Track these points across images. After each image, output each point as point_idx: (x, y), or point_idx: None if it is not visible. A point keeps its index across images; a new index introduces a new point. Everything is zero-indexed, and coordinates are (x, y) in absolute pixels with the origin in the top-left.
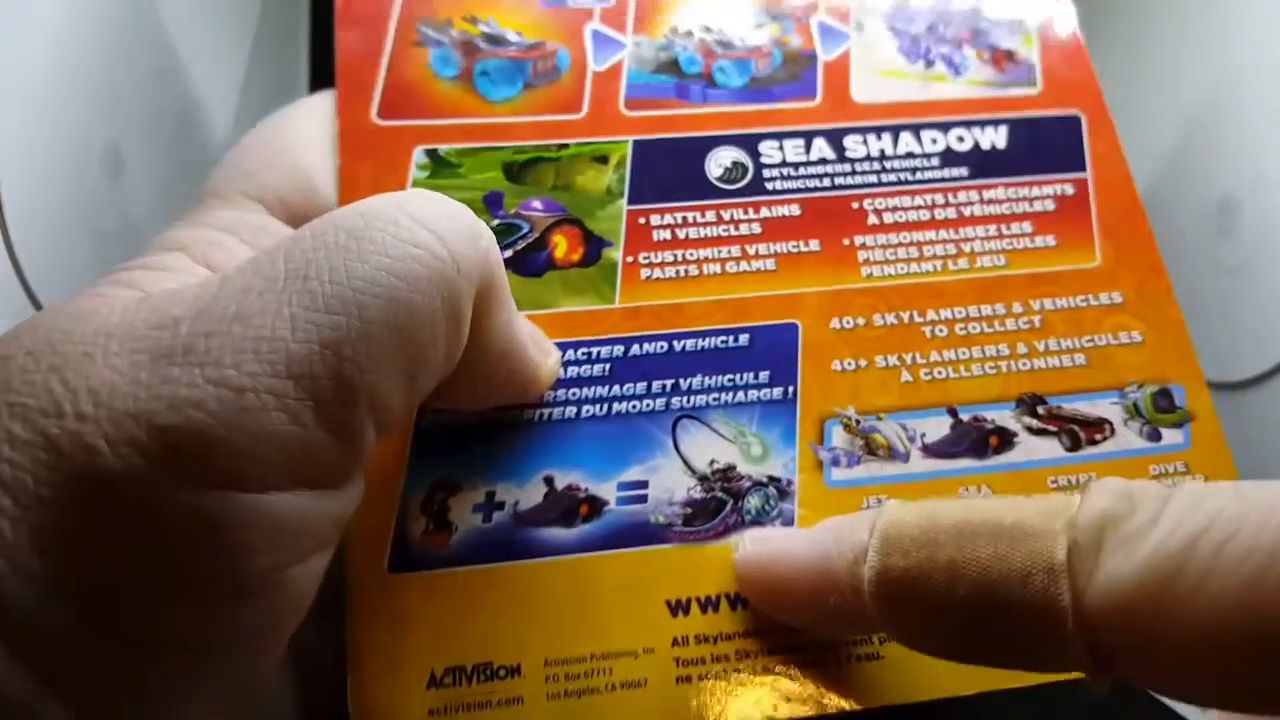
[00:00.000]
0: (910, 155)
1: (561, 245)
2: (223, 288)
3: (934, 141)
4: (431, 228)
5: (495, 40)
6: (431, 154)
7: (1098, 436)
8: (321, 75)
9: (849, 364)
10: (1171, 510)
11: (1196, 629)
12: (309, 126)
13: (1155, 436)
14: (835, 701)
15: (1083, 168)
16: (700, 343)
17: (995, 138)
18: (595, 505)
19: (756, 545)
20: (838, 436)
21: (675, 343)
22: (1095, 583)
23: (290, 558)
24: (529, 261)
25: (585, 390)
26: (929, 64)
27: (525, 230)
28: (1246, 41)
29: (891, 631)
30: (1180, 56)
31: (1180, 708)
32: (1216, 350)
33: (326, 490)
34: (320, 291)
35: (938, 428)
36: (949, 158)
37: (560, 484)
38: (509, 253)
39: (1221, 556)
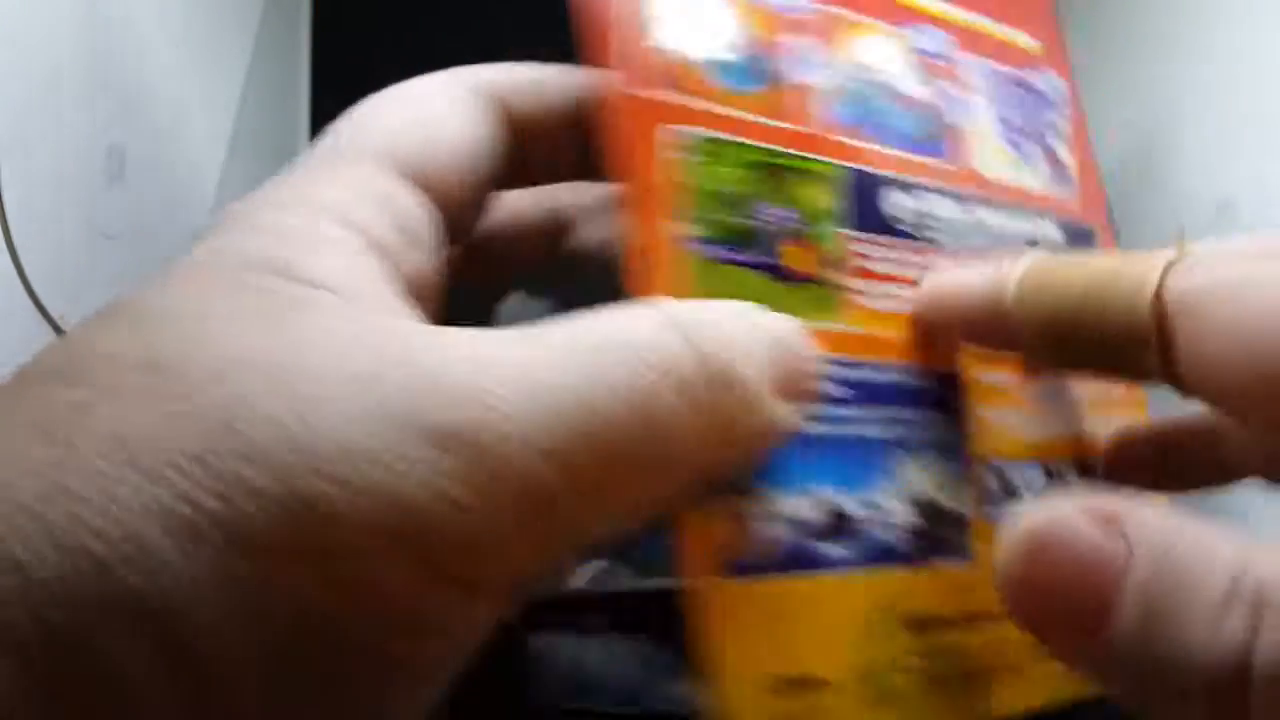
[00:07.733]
0: (1018, 236)
1: (793, 257)
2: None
3: (1031, 227)
4: None
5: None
6: (679, 135)
7: None
8: (322, 75)
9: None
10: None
11: (1251, 329)
12: (431, 85)
13: None
14: None
15: None
16: (902, 377)
17: (1056, 237)
18: (848, 523)
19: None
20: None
21: (890, 374)
22: (1175, 275)
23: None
24: (763, 269)
25: (830, 408)
26: (1018, 150)
27: (763, 237)
28: (1246, 43)
29: (1019, 327)
30: (1180, 58)
31: None
32: None
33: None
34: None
35: None
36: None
37: (832, 502)
38: (746, 255)
39: None
